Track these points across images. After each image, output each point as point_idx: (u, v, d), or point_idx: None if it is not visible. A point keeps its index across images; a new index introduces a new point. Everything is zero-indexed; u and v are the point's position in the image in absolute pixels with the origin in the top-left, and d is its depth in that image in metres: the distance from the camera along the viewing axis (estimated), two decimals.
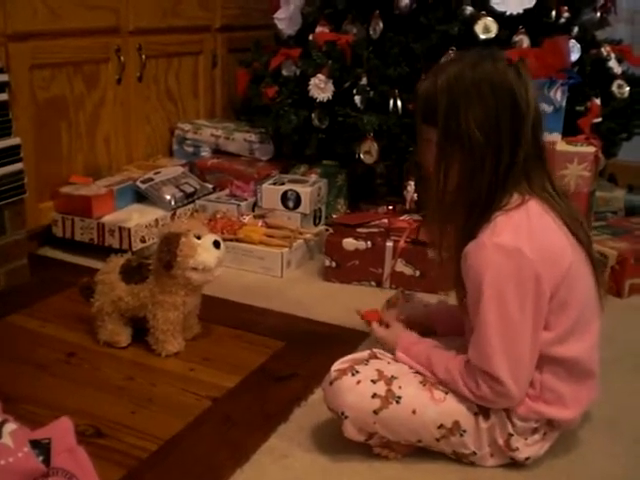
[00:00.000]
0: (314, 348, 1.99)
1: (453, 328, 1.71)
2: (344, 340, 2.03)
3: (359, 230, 2.48)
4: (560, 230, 1.45)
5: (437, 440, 1.50)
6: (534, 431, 1.51)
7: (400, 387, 1.48)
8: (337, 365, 1.53)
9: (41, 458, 1.26)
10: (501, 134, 1.40)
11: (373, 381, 1.48)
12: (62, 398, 1.74)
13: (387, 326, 1.70)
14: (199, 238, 1.88)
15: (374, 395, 1.47)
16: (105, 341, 1.98)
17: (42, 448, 1.27)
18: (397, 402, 1.46)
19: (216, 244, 1.89)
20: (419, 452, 1.55)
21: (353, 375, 1.49)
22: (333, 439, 1.59)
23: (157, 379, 1.84)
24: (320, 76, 2.67)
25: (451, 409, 1.48)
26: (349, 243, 2.42)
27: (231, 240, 2.53)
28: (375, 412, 1.46)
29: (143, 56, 2.91)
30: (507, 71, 1.41)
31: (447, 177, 1.45)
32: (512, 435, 1.49)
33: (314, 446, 1.60)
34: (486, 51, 1.54)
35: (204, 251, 1.87)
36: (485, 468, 1.53)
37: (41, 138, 2.55)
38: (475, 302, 1.42)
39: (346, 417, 1.48)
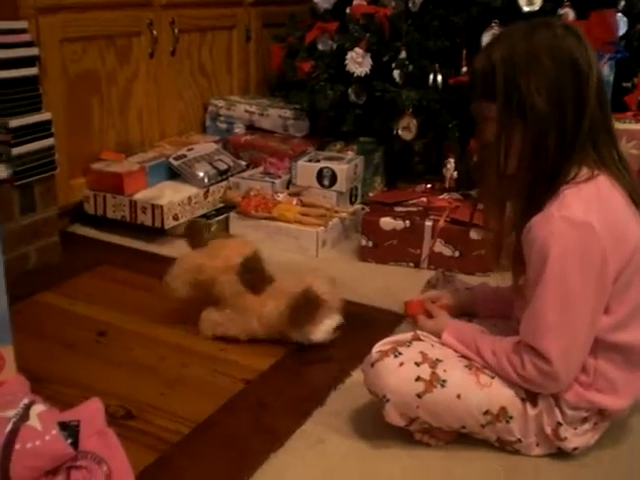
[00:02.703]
0: (350, 330, 1.92)
1: (496, 311, 1.66)
2: (381, 322, 1.99)
3: (397, 209, 2.42)
4: (628, 206, 1.38)
5: (482, 426, 1.44)
6: (584, 420, 1.44)
7: (445, 370, 1.42)
8: (379, 346, 1.47)
9: (70, 441, 1.23)
10: (565, 101, 1.33)
11: (417, 363, 1.43)
12: (92, 378, 1.70)
13: (430, 316, 1.64)
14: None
15: (418, 378, 1.41)
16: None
17: (71, 431, 1.25)
18: (442, 386, 1.41)
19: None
20: (461, 439, 1.50)
21: (396, 357, 1.43)
22: (371, 424, 1.54)
23: (189, 360, 1.80)
24: (358, 50, 2.60)
25: (498, 394, 1.42)
26: (387, 222, 2.35)
27: (265, 219, 2.49)
28: (418, 396, 1.40)
29: (176, 30, 2.85)
30: (565, 35, 1.35)
31: (509, 153, 1.39)
32: (561, 424, 1.42)
33: (351, 431, 1.54)
34: (538, 19, 1.47)
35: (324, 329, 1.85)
36: (530, 457, 1.47)
37: (72, 113, 2.51)
38: (536, 276, 1.35)
39: (388, 400, 1.42)
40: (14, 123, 2.13)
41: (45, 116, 2.24)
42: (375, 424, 1.52)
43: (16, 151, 2.14)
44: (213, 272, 1.85)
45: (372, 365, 1.45)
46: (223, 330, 1.87)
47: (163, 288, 1.91)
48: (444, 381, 1.41)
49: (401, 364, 1.42)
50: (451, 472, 1.44)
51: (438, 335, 1.51)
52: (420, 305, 1.69)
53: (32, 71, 2.18)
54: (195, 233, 1.92)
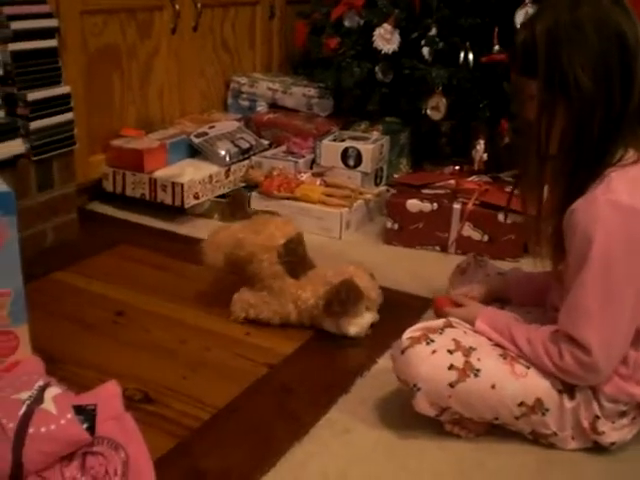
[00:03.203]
0: (381, 304, 1.86)
1: (530, 297, 1.60)
2: (408, 306, 1.93)
3: (424, 191, 2.35)
4: None
5: (516, 418, 1.38)
6: (622, 414, 1.38)
7: (479, 359, 1.36)
8: (409, 333, 1.41)
9: (86, 425, 1.19)
10: (611, 78, 1.26)
11: (450, 351, 1.37)
12: (109, 360, 1.65)
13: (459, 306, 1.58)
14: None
15: (451, 366, 1.35)
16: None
17: (87, 415, 1.21)
18: (475, 375, 1.35)
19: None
20: (492, 431, 1.44)
21: (428, 344, 1.37)
22: (399, 413, 1.49)
23: (211, 343, 1.75)
24: (386, 26, 2.55)
25: (533, 385, 1.36)
26: (413, 204, 2.29)
27: (288, 199, 2.44)
28: (451, 385, 1.34)
29: (198, 5, 2.79)
30: (612, 8, 1.27)
31: (550, 133, 1.32)
32: (599, 418, 1.36)
33: (378, 420, 1.49)
34: None
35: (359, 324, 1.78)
36: (564, 451, 1.41)
37: (92, 88, 2.46)
38: (577, 262, 1.28)
39: (419, 389, 1.36)
40: (32, 96, 2.08)
41: (64, 89, 2.19)
42: (403, 413, 1.46)
43: (34, 125, 2.10)
44: (253, 248, 1.79)
45: (402, 352, 1.38)
46: (255, 312, 1.81)
47: (199, 253, 1.86)
48: (478, 370, 1.35)
49: (433, 352, 1.36)
50: (483, 465, 1.38)
51: (470, 322, 1.45)
52: (449, 300, 1.62)
53: (51, 43, 2.13)
54: (238, 204, 1.86)
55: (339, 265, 1.85)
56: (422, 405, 1.38)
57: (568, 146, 1.32)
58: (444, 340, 1.38)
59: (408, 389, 1.38)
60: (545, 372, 1.35)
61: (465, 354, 1.36)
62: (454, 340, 1.38)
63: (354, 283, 1.74)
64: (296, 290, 1.78)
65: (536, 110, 1.32)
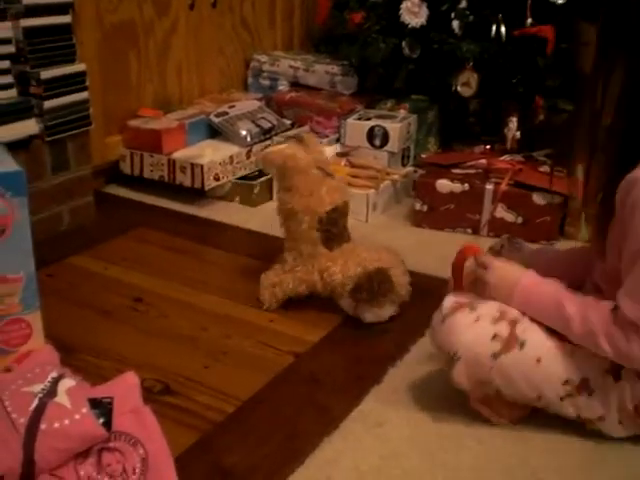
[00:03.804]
0: (406, 301, 1.77)
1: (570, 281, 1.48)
2: (438, 291, 1.80)
3: (454, 171, 2.25)
4: None
5: (561, 399, 1.29)
6: None
7: (524, 331, 1.28)
8: (450, 300, 1.33)
9: (102, 420, 1.12)
10: None
11: (494, 320, 1.29)
12: (127, 348, 1.58)
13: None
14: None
15: (494, 336, 1.27)
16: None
17: (103, 409, 1.14)
18: (521, 347, 1.27)
19: None
20: (534, 425, 1.35)
21: (471, 311, 1.29)
22: (434, 406, 1.41)
23: (232, 330, 1.67)
24: None
25: (580, 363, 1.27)
26: (444, 185, 2.19)
27: None
28: (494, 356, 1.27)
29: None
30: None
31: (607, 88, 1.21)
32: None
33: (413, 413, 1.40)
34: None
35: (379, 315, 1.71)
36: (613, 446, 1.32)
37: (108, 66, 2.38)
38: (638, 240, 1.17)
39: (458, 358, 1.28)
40: (46, 74, 2.00)
41: (79, 67, 2.11)
42: (439, 406, 1.40)
43: (48, 104, 2.02)
44: (298, 206, 1.71)
45: (443, 320, 1.31)
46: (282, 289, 1.73)
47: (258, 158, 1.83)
48: (523, 342, 1.27)
49: (477, 319, 1.29)
50: (526, 461, 1.29)
51: (510, 282, 1.32)
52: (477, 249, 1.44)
53: (65, 19, 2.05)
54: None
55: (376, 249, 1.76)
56: (459, 376, 1.30)
57: (625, 107, 1.20)
58: (488, 308, 1.30)
59: (447, 359, 1.31)
60: (594, 349, 1.23)
61: (511, 324, 1.28)
62: (499, 309, 1.30)
63: (388, 275, 1.66)
64: (326, 261, 1.70)
65: (594, 60, 1.22)
